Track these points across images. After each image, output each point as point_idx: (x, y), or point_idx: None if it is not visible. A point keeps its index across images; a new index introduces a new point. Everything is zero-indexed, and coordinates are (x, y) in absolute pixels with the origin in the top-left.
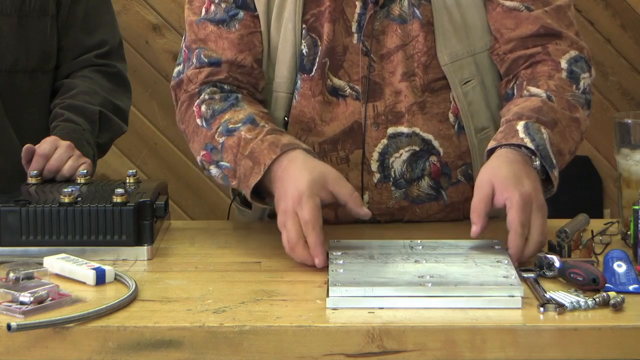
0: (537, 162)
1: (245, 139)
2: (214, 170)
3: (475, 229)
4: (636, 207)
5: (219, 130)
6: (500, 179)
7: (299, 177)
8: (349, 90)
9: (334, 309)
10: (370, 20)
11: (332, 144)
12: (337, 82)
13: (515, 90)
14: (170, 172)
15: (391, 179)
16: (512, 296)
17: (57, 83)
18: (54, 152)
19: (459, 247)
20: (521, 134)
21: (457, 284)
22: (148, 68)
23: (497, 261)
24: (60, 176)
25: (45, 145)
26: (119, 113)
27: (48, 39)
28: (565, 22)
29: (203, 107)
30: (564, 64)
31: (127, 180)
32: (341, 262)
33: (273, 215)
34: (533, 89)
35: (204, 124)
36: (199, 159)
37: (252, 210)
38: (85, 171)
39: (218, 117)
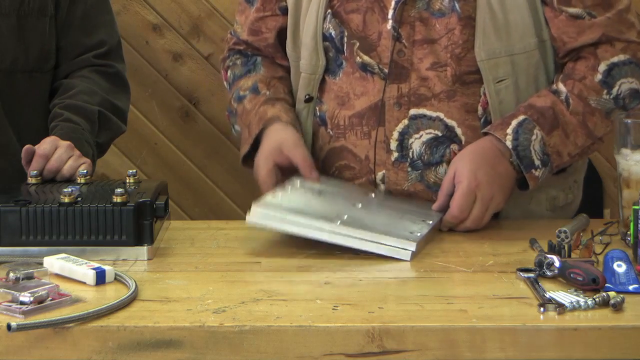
0: (515, 161)
1: (246, 110)
2: (234, 130)
3: (436, 205)
4: (636, 207)
5: (234, 96)
6: (461, 164)
7: (263, 147)
8: (377, 69)
9: (254, 224)
10: (404, 7)
11: (359, 118)
12: (367, 59)
13: (554, 79)
14: (170, 172)
15: (408, 159)
16: (405, 249)
17: (56, 83)
18: (54, 152)
19: (410, 204)
20: (508, 130)
21: (362, 227)
22: (148, 68)
23: (423, 220)
24: (60, 176)
25: (45, 145)
26: (118, 113)
27: (47, 39)
28: (626, 25)
29: (229, 72)
30: (602, 67)
31: (127, 180)
32: (288, 189)
33: None
34: (560, 86)
35: (228, 87)
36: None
37: None
38: (85, 171)
39: (236, 82)
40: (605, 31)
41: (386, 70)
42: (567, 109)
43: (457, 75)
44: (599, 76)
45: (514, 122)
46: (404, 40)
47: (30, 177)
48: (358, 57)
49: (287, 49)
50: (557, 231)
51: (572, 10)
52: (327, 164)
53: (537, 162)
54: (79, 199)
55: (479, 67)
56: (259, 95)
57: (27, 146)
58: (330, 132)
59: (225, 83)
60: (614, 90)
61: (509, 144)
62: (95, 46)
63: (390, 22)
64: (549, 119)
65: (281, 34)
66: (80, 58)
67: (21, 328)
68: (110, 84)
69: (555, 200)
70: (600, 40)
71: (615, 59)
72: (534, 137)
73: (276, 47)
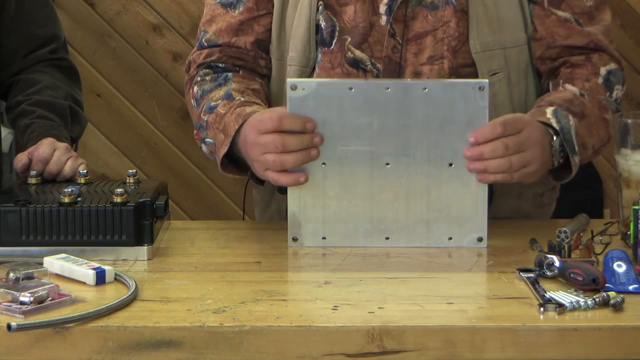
0: (556, 143)
1: (220, 114)
2: (203, 147)
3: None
4: (636, 207)
5: (203, 109)
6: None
7: (249, 122)
8: (370, 65)
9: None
10: (401, 5)
11: None
12: (359, 54)
13: (551, 86)
14: (170, 172)
15: None
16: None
17: (11, 79)
18: (53, 154)
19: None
20: (548, 115)
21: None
22: (148, 68)
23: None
24: (61, 177)
25: (43, 147)
26: (79, 106)
27: None
28: (609, 39)
29: (195, 88)
30: (602, 71)
31: (127, 180)
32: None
33: (283, 190)
34: (568, 86)
35: (195, 104)
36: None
37: (264, 186)
38: (85, 171)
39: (205, 96)
40: (594, 39)
41: (379, 66)
42: (585, 101)
43: (453, 67)
44: (601, 79)
45: (549, 110)
46: (397, 37)
47: (30, 177)
48: (349, 53)
49: (271, 45)
50: (557, 231)
51: (561, 13)
52: None
53: (576, 148)
54: (79, 199)
55: (474, 59)
56: (234, 101)
57: (19, 160)
58: None
59: (192, 101)
60: (614, 94)
61: (555, 125)
62: (50, 40)
63: (384, 17)
64: (577, 108)
65: (268, 34)
66: (36, 53)
67: (21, 328)
68: (66, 77)
69: (542, 198)
70: (588, 47)
71: (608, 67)
72: (571, 122)
73: (260, 44)
